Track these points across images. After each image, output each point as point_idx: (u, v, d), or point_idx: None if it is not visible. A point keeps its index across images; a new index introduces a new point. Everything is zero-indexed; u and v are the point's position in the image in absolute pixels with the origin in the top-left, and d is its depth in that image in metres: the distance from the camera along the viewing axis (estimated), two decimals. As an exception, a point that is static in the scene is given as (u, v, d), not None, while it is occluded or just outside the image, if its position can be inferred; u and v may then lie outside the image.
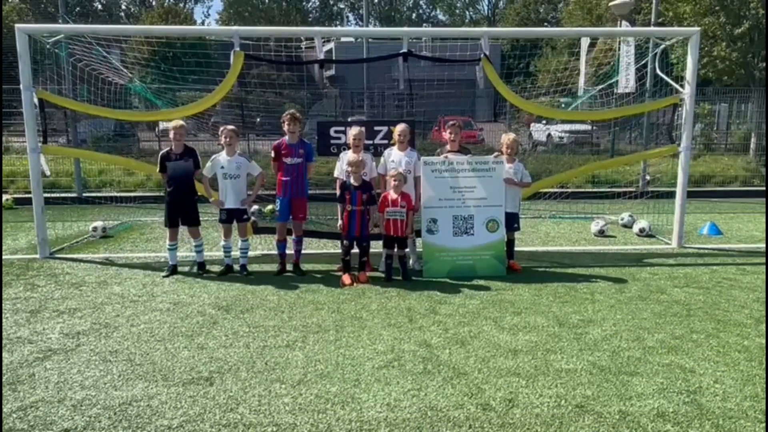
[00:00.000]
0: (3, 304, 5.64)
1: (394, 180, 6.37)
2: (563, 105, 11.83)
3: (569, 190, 11.69)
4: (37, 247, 7.45)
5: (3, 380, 4.08)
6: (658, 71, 8.26)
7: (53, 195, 10.29)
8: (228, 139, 6.57)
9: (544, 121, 20.89)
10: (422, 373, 4.21)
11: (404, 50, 7.48)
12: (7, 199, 11.39)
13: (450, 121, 7.24)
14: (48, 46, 7.45)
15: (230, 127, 6.69)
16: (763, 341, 4.76)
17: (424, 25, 55.94)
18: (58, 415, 3.63)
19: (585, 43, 11.23)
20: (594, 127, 18.23)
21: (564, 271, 6.90)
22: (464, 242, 6.64)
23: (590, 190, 12.58)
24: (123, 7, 53.82)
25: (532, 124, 21.21)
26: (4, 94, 19.51)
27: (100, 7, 51.46)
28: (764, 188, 13.89)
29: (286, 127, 6.62)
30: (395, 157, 6.70)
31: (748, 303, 5.72)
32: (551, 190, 10.82)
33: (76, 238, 8.53)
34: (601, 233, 8.89)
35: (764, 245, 8.23)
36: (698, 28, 7.80)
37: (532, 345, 4.70)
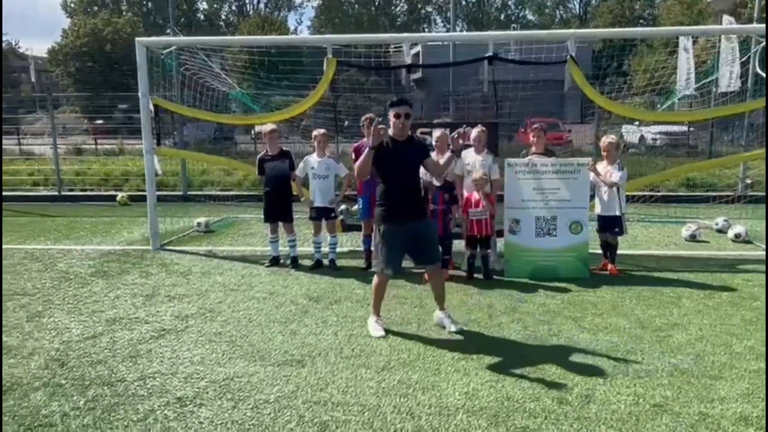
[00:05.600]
0: (123, 289, 6.34)
1: (477, 184, 6.54)
2: (658, 105, 11.47)
3: (660, 193, 11.32)
4: (149, 239, 8.26)
5: (124, 354, 4.65)
6: (758, 69, 7.90)
7: (161, 193, 11.22)
8: (320, 143, 7.01)
9: (636, 123, 20.15)
10: (500, 365, 4.37)
11: (489, 54, 7.62)
12: (122, 196, 12.56)
13: (534, 124, 7.32)
14: (162, 57, 8.23)
15: (322, 130, 7.15)
16: None
17: (513, 26, 55.11)
18: (172, 385, 4.12)
19: (685, 40, 10.80)
20: (691, 129, 17.41)
21: (650, 274, 6.79)
22: (547, 243, 6.70)
23: (683, 193, 12.10)
24: (223, 17, 56.92)
25: (624, 126, 20.50)
26: (117, 101, 21.40)
27: (202, 18, 54.72)
28: None
29: (365, 130, 6.98)
30: (470, 160, 6.85)
31: None
32: (640, 193, 10.53)
33: (183, 232, 9.32)
34: (693, 238, 8.59)
35: None
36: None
37: (612, 345, 4.73)
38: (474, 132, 6.90)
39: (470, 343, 4.83)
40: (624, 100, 10.66)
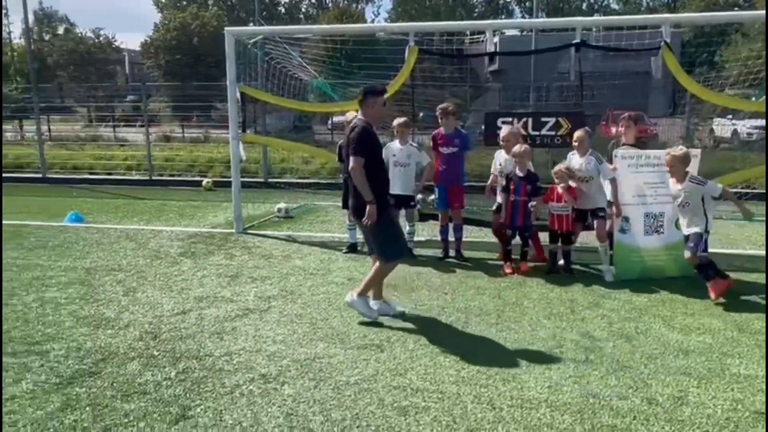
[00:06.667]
0: (209, 269, 6.61)
1: (557, 177, 6.31)
2: (753, 98, 10.72)
3: (756, 190, 10.58)
4: (233, 223, 8.57)
5: (212, 330, 4.84)
6: None
7: (244, 179, 11.60)
8: (399, 133, 7.00)
9: (730, 116, 18.92)
10: (584, 362, 4.24)
11: (577, 41, 7.34)
12: (207, 182, 13.10)
13: (623, 114, 6.97)
14: (249, 46, 8.48)
15: (402, 119, 7.12)
16: None
17: (595, 15, 53.08)
18: (256, 362, 4.25)
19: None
20: (793, 122, 16.12)
21: (746, 276, 6.35)
22: (655, 241, 6.23)
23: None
24: (303, 10, 58.15)
25: (716, 119, 19.29)
26: (204, 90, 22.28)
27: (283, 11, 56.11)
28: None
29: (440, 120, 6.94)
30: (575, 163, 6.47)
31: None
32: (734, 190, 9.89)
33: (264, 217, 9.62)
34: (796, 238, 7.96)
35: None
36: None
37: (705, 347, 4.48)
38: (576, 134, 6.46)
39: (552, 336, 4.70)
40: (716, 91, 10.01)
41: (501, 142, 6.79)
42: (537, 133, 7.38)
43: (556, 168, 6.37)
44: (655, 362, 4.22)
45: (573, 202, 6.32)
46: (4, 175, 14.64)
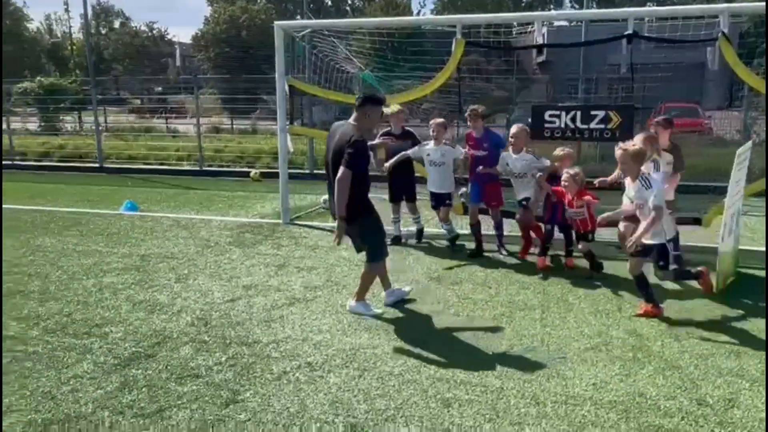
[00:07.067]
0: (257, 258, 6.77)
1: (564, 181, 6.14)
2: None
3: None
4: (280, 213, 8.74)
5: (260, 318, 4.98)
6: None
7: (290, 170, 11.78)
8: (435, 133, 6.96)
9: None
10: (631, 360, 4.19)
11: (629, 31, 7.15)
12: (255, 173, 13.37)
13: (656, 117, 6.66)
14: (297, 39, 8.60)
15: (439, 120, 7.09)
16: None
17: (648, 4, 51.29)
18: (302, 350, 4.37)
19: None
20: None
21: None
22: (732, 242, 5.82)
23: None
24: (349, 1, 58.36)
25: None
26: (252, 83, 22.70)
27: (329, 2, 56.47)
28: None
29: (468, 123, 6.86)
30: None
31: None
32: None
33: (310, 208, 9.76)
34: None
35: None
36: None
37: (757, 349, 4.35)
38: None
39: (598, 333, 4.65)
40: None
41: (510, 140, 6.69)
42: (585, 126, 7.22)
43: (564, 175, 6.15)
44: (705, 363, 4.13)
45: (592, 203, 5.98)
46: (65, 164, 15.34)
